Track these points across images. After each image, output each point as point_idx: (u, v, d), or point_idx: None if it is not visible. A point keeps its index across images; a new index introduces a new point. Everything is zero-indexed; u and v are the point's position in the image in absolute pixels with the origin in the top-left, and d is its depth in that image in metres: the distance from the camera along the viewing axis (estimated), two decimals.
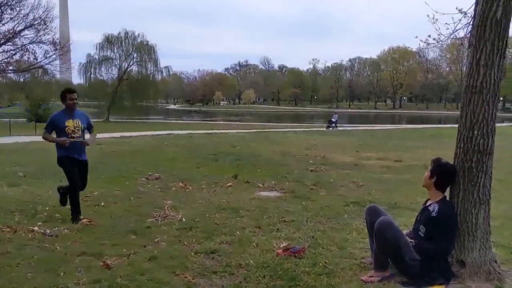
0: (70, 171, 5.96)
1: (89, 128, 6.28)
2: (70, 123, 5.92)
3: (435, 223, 3.89)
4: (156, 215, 6.09)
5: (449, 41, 6.37)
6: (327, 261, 4.37)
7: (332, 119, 35.44)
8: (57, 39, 36.11)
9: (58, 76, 49.22)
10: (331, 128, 33.66)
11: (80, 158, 6.04)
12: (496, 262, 3.94)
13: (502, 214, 6.32)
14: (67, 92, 6.04)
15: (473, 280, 3.81)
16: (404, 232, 4.07)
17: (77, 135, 5.96)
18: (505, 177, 9.58)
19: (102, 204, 6.75)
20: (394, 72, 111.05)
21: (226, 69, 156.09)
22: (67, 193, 6.09)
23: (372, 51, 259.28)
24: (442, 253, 3.87)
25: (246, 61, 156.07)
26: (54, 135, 6.05)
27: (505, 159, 12.50)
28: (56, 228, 5.39)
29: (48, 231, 5.22)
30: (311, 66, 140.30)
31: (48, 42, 34.40)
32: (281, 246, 4.78)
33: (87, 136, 6.29)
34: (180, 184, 8.43)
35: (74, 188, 5.94)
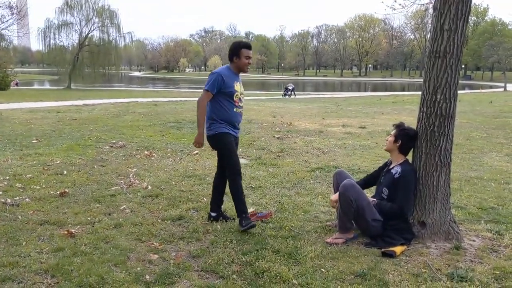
0: (233, 153, 4.40)
1: None
2: (238, 87, 4.37)
3: (397, 184, 4.00)
4: (121, 183, 6.00)
5: (414, 6, 6.42)
6: (292, 225, 4.44)
7: (288, 87, 35.48)
8: (14, 3, 34.52)
9: (15, 42, 47.23)
10: (287, 96, 33.77)
11: (237, 135, 4.57)
12: (455, 222, 4.09)
13: (459, 176, 6.55)
14: (245, 46, 4.36)
15: (433, 240, 3.95)
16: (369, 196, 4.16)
17: (242, 105, 4.46)
18: (463, 141, 9.92)
19: (64, 172, 6.57)
20: (360, 39, 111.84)
21: (191, 35, 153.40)
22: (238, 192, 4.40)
23: (339, 19, 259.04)
24: (401, 213, 3.98)
25: (212, 27, 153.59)
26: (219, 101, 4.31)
27: (462, 124, 12.94)
28: (17, 198, 5.23)
29: (8, 200, 5.07)
30: (278, 33, 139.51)
31: (4, 6, 32.95)
32: (248, 211, 4.80)
33: None
34: (145, 152, 8.30)
35: (239, 176, 4.43)
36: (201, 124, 4.30)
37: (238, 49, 4.31)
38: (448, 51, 3.81)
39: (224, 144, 4.36)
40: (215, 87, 4.23)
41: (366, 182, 4.54)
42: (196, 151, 8.40)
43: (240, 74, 4.47)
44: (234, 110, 4.36)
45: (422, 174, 4.02)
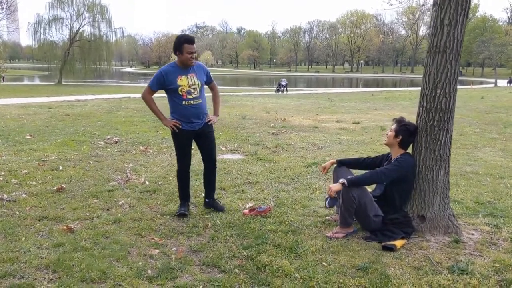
0: (180, 152, 4.73)
1: (208, 82, 4.68)
2: (183, 82, 4.40)
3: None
4: (118, 178, 5.96)
5: (410, 1, 6.43)
6: (292, 220, 4.45)
7: (282, 83, 35.53)
8: None
9: (5, 37, 46.66)
10: (280, 92, 33.85)
11: (198, 127, 4.60)
12: (454, 216, 4.11)
13: (455, 171, 6.59)
14: (186, 41, 4.32)
15: (432, 234, 3.98)
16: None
17: (195, 95, 4.46)
18: (457, 137, 9.96)
19: (60, 168, 6.53)
20: (352, 35, 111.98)
21: (183, 31, 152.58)
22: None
23: (331, 14, 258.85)
24: (375, 178, 4.03)
25: (203, 23, 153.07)
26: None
27: (456, 119, 12.96)
28: (14, 193, 5.19)
29: (5, 196, 5.02)
30: (270, 28, 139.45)
31: None
32: (247, 206, 4.82)
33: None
34: (141, 147, 8.27)
35: (181, 173, 4.76)
36: (157, 112, 4.55)
37: (180, 45, 4.32)
38: (448, 46, 3.82)
39: (175, 141, 4.68)
40: (155, 83, 4.44)
41: (358, 162, 4.51)
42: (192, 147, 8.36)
43: (191, 65, 4.44)
44: (183, 103, 4.43)
45: (421, 168, 4.03)
